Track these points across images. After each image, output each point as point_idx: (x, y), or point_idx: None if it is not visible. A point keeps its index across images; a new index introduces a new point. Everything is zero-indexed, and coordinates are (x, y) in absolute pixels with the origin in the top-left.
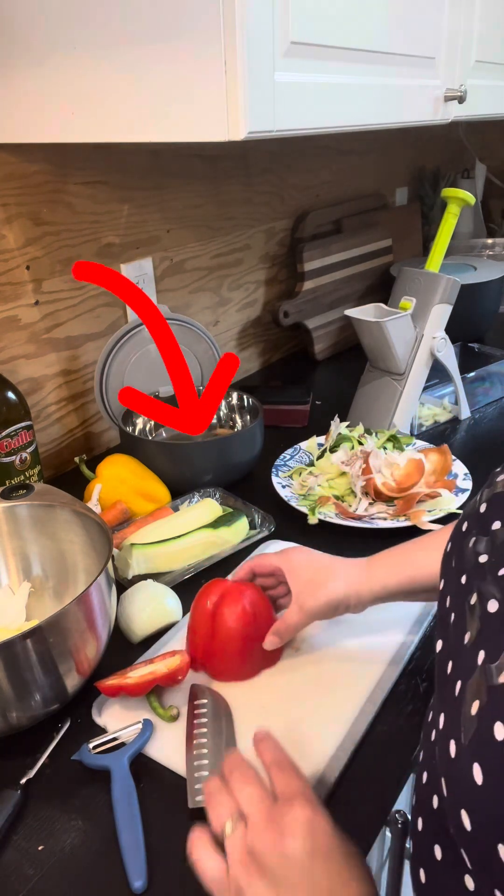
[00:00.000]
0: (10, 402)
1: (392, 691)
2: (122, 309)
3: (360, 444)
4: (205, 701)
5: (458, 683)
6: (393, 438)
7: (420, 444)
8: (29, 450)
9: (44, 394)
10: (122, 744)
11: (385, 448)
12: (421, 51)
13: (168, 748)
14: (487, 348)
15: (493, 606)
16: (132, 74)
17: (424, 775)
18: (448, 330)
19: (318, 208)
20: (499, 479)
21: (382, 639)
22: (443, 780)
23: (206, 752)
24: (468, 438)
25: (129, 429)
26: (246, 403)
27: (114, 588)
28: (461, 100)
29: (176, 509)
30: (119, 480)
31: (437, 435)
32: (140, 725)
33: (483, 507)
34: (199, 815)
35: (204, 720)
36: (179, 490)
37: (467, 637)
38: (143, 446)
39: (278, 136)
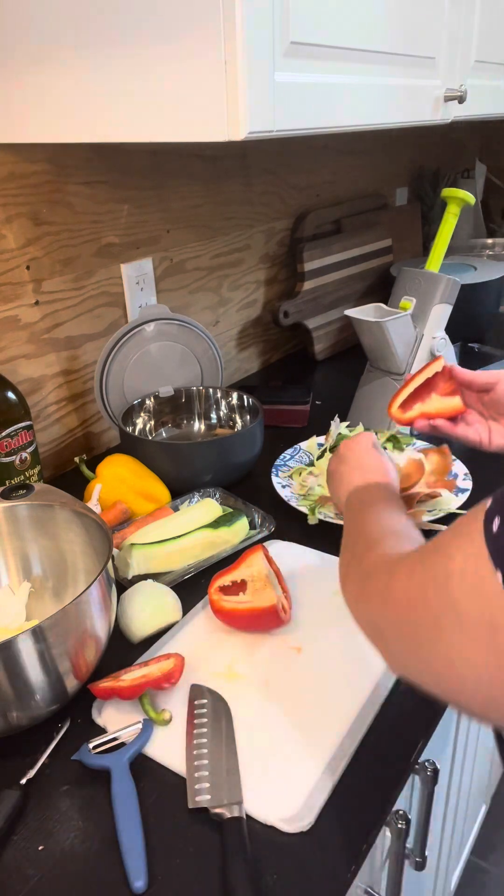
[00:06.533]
0: (10, 402)
1: (392, 692)
2: (122, 309)
3: None
4: (204, 701)
5: None
6: (393, 438)
7: (420, 444)
8: (29, 450)
9: (44, 394)
10: (122, 744)
11: (385, 448)
12: (421, 51)
13: (168, 748)
14: (487, 348)
15: None
16: (132, 74)
17: None
18: (448, 330)
19: (318, 208)
20: None
21: None
22: None
23: (206, 752)
24: None
25: (129, 429)
26: (246, 403)
27: (114, 588)
28: (461, 100)
29: (176, 509)
30: (119, 480)
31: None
32: (140, 725)
33: None
34: (200, 815)
35: (204, 720)
36: (179, 490)
37: None
38: (143, 446)
39: (278, 136)
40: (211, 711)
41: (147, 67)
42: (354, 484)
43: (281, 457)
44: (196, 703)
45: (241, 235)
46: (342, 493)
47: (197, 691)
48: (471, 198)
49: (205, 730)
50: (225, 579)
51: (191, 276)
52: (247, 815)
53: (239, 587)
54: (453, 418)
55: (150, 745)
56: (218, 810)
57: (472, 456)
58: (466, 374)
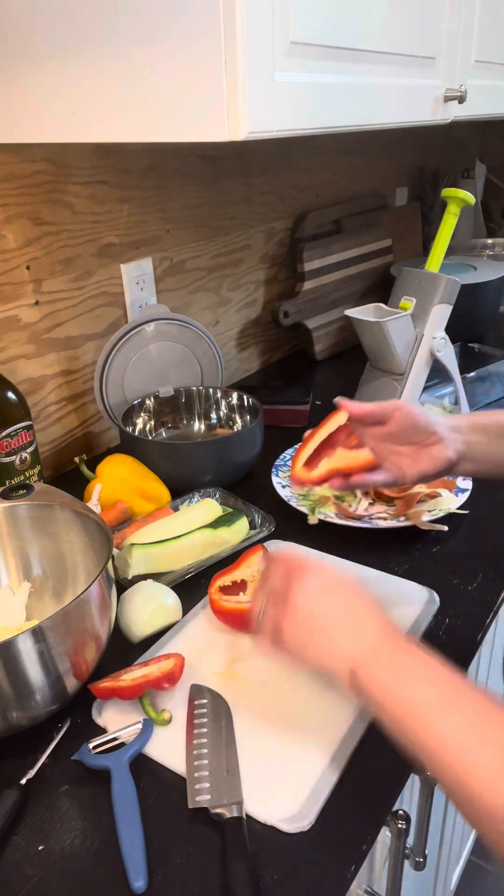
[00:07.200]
0: (10, 402)
1: None
2: (122, 309)
3: None
4: (204, 701)
5: None
6: None
7: None
8: (29, 450)
9: (44, 394)
10: (122, 744)
11: None
12: (421, 51)
13: (168, 748)
14: (487, 348)
15: None
16: (132, 74)
17: None
18: (448, 330)
19: (318, 208)
20: None
21: None
22: None
23: (206, 752)
24: None
25: (129, 429)
26: (246, 403)
27: (114, 588)
28: (461, 100)
29: (176, 509)
30: (119, 480)
31: None
32: (140, 725)
33: None
34: (200, 815)
35: (203, 720)
36: (179, 490)
37: None
38: (143, 446)
39: (278, 137)
40: (211, 711)
41: (147, 67)
42: (353, 648)
43: (281, 457)
44: (196, 703)
45: (241, 235)
46: (335, 662)
47: (197, 691)
48: (471, 198)
49: (205, 730)
50: (225, 579)
51: (191, 276)
52: (247, 815)
53: (239, 587)
54: (369, 470)
55: (150, 745)
56: (218, 810)
57: None
58: (360, 408)
